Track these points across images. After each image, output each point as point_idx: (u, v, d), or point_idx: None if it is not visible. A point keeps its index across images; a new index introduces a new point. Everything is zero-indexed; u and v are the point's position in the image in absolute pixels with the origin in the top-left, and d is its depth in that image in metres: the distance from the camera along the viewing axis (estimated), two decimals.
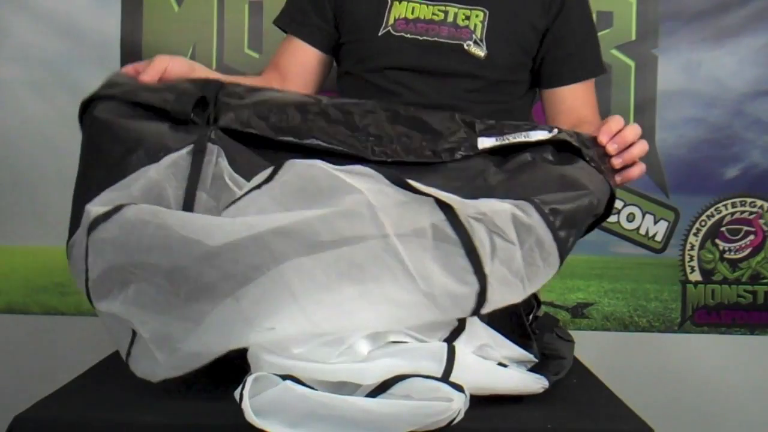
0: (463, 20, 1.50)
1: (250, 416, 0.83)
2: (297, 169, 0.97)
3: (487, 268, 0.94)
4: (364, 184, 0.93)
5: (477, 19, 1.50)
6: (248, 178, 1.02)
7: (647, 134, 1.99)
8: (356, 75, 1.55)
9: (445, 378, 0.90)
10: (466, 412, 0.87)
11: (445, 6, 1.50)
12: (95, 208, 1.01)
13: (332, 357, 0.90)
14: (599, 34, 1.96)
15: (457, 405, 0.85)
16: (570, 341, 1.17)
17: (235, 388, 0.86)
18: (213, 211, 1.02)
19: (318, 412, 0.85)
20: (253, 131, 1.12)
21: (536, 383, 0.99)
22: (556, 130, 1.15)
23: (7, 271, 2.08)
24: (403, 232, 0.92)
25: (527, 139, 1.14)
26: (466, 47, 1.49)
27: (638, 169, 1.19)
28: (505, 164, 1.12)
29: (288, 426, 0.84)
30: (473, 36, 1.49)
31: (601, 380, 1.15)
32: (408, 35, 1.50)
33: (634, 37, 1.99)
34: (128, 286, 0.98)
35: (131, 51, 2.01)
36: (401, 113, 1.20)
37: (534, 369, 1.03)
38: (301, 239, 0.91)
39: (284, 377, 0.86)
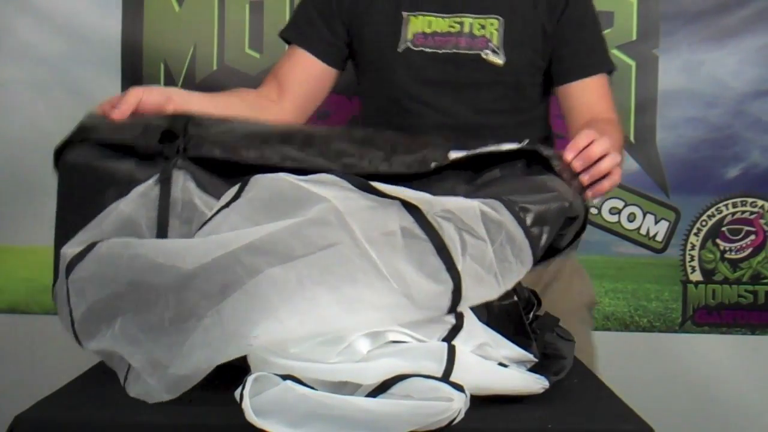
0: (479, 29, 1.51)
1: (250, 416, 0.83)
2: (263, 183, 0.98)
3: (459, 265, 0.94)
4: (329, 192, 0.94)
5: (492, 27, 1.51)
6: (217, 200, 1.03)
7: (647, 134, 2.00)
8: (377, 95, 1.55)
9: (445, 378, 0.90)
10: (466, 412, 0.87)
11: (461, 17, 1.51)
12: (70, 249, 1.02)
13: (331, 356, 0.90)
14: None
15: (457, 405, 0.85)
16: (570, 341, 1.17)
17: (235, 388, 0.86)
18: (187, 236, 1.02)
19: (318, 412, 0.85)
20: (219, 156, 1.11)
21: (536, 383, 0.99)
22: (526, 141, 1.15)
23: (8, 271, 2.08)
24: (373, 235, 0.93)
25: (498, 149, 1.14)
26: (483, 56, 1.50)
27: (608, 183, 1.17)
28: (475, 180, 1.13)
29: (288, 426, 0.84)
30: (490, 44, 1.50)
31: (601, 380, 1.15)
32: (428, 50, 1.51)
33: (634, 37, 2.00)
34: (114, 320, 0.99)
35: (131, 51, 2.02)
36: (372, 135, 1.20)
37: (534, 369, 1.03)
38: (272, 252, 0.92)
39: (284, 377, 0.86)
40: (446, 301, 0.95)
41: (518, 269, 0.98)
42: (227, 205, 1.00)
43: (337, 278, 0.92)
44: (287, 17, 1.99)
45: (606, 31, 1.98)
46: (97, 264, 1.00)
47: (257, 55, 2.01)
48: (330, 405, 0.85)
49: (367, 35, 1.54)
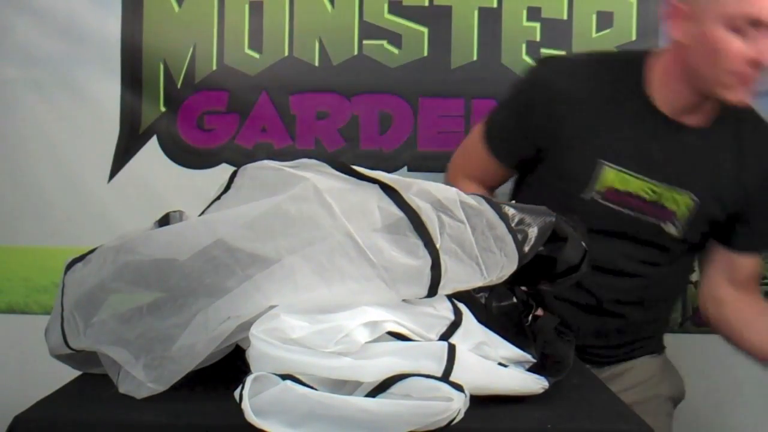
0: (671, 203, 1.49)
1: (250, 416, 0.83)
2: (249, 172, 1.02)
3: (438, 243, 0.95)
4: (309, 173, 0.97)
5: (685, 206, 1.49)
6: None
7: None
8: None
9: (445, 377, 0.90)
10: (466, 412, 0.87)
11: (658, 185, 1.48)
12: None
13: (330, 345, 0.90)
14: (600, 34, 1.98)
15: (456, 405, 0.85)
16: (570, 341, 1.17)
17: (235, 388, 0.86)
18: None
19: (318, 412, 0.85)
20: None
21: (536, 384, 0.99)
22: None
23: (7, 271, 2.08)
24: (351, 211, 0.95)
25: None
26: (663, 226, 1.50)
27: None
28: None
29: (288, 426, 0.84)
30: (675, 219, 1.49)
31: (601, 380, 1.15)
32: (615, 207, 1.49)
33: (634, 37, 1.99)
34: (96, 314, 1.02)
35: (131, 51, 2.01)
36: None
37: (534, 369, 1.03)
38: (254, 230, 0.95)
39: (284, 377, 0.86)
40: (426, 278, 0.95)
41: (503, 261, 0.98)
42: (219, 197, 1.02)
43: (315, 251, 0.93)
44: (287, 17, 2.00)
45: (606, 32, 1.98)
46: (95, 259, 1.02)
47: (257, 56, 2.01)
48: (329, 405, 0.85)
49: (556, 169, 1.52)
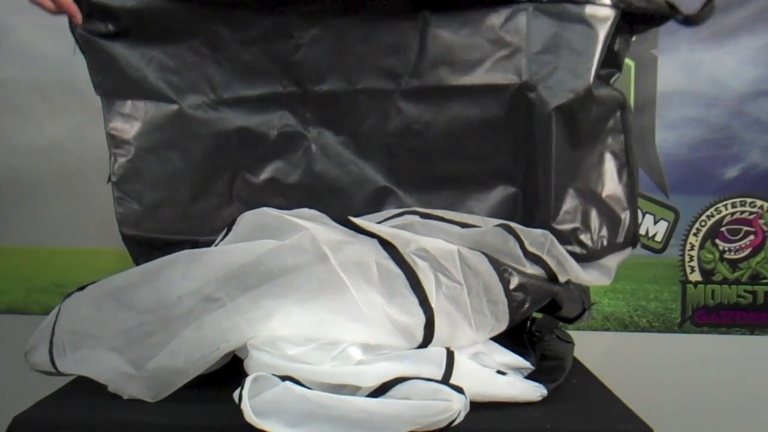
0: None
1: (250, 416, 0.83)
2: (248, 218, 1.03)
3: (433, 302, 0.95)
4: (309, 223, 0.97)
5: None
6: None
7: (647, 134, 2.00)
8: None
9: (445, 381, 0.90)
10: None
11: None
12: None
13: (326, 361, 0.91)
14: None
15: (457, 405, 0.85)
16: (570, 342, 1.17)
17: (235, 388, 0.86)
18: None
19: (317, 412, 0.85)
20: None
21: (535, 392, 0.99)
22: None
23: (7, 271, 2.08)
24: (347, 264, 0.95)
25: None
26: None
27: None
28: None
29: (288, 426, 0.84)
30: None
31: (601, 380, 1.15)
32: None
33: (633, 37, 1.99)
34: (83, 344, 1.04)
35: None
36: None
37: (532, 375, 1.03)
38: (250, 275, 0.95)
39: (283, 378, 0.86)
40: (419, 335, 0.95)
41: (493, 324, 0.99)
42: (216, 244, 1.03)
43: (310, 300, 0.94)
44: None
45: None
46: (95, 300, 1.05)
47: None
48: (329, 405, 0.85)
49: None
